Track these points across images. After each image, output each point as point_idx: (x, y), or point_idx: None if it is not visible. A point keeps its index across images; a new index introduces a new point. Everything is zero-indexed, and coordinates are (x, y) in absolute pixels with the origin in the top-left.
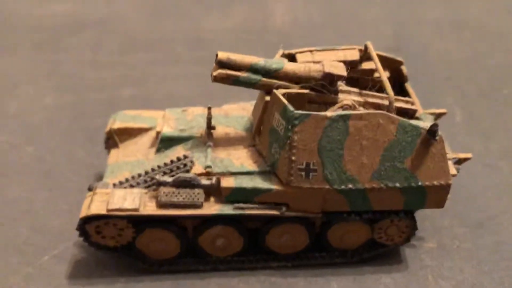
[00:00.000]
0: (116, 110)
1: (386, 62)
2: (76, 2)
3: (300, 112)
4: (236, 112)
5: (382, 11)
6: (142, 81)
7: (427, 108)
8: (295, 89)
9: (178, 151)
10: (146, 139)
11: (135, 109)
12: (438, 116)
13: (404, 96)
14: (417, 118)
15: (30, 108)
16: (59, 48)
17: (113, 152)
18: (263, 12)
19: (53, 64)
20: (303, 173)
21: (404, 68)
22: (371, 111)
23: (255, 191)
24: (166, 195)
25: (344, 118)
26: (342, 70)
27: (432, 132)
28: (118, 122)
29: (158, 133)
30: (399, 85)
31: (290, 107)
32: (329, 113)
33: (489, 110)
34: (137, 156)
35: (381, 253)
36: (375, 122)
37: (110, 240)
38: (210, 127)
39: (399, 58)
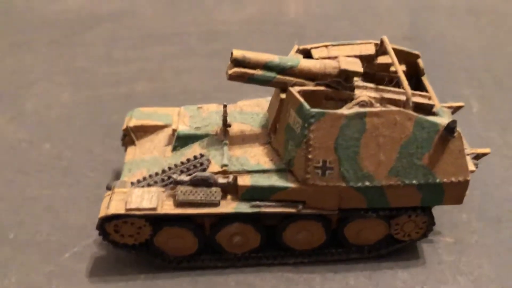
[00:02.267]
0: (133, 105)
1: (402, 56)
2: None
3: (316, 110)
4: (251, 108)
5: (396, 0)
6: (158, 75)
7: (444, 99)
8: (311, 86)
9: (194, 149)
10: (162, 136)
11: (151, 103)
12: (455, 109)
13: (421, 89)
14: (434, 113)
15: (47, 104)
16: (74, 43)
17: (130, 149)
18: (276, 3)
19: (69, 59)
20: (319, 171)
21: (420, 62)
22: (388, 108)
23: (272, 189)
24: (184, 194)
25: (361, 115)
26: (358, 67)
27: (450, 128)
28: (134, 119)
29: (174, 130)
30: (416, 79)
31: (306, 105)
32: (345, 111)
33: (507, 101)
34: (153, 153)
35: (398, 249)
36: (392, 119)
37: (128, 238)
38: (226, 124)
39: (415, 52)
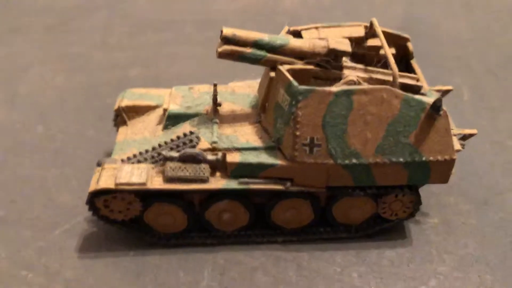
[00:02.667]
0: (126, 89)
1: (392, 39)
2: None
3: (304, 87)
4: (242, 89)
5: None
6: (151, 61)
7: (435, 86)
8: (300, 65)
9: (184, 128)
10: (153, 117)
11: (144, 87)
12: (444, 93)
13: (410, 72)
14: (423, 94)
15: (41, 88)
16: (69, 30)
17: (122, 129)
18: None
19: (64, 45)
20: (307, 148)
21: (410, 45)
22: (375, 86)
23: (260, 166)
24: (173, 170)
25: (348, 93)
26: (347, 46)
27: (436, 106)
28: (126, 100)
29: (165, 110)
30: (406, 62)
31: (295, 83)
32: (333, 88)
33: (497, 89)
34: (144, 133)
35: (386, 229)
36: (379, 97)
37: (118, 214)
38: (216, 103)
39: (405, 35)
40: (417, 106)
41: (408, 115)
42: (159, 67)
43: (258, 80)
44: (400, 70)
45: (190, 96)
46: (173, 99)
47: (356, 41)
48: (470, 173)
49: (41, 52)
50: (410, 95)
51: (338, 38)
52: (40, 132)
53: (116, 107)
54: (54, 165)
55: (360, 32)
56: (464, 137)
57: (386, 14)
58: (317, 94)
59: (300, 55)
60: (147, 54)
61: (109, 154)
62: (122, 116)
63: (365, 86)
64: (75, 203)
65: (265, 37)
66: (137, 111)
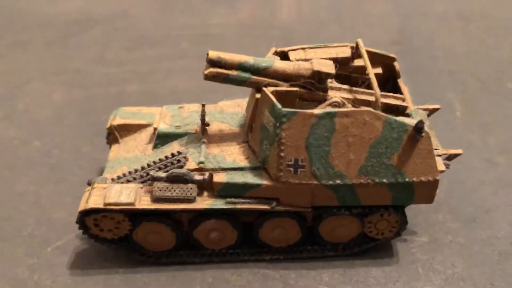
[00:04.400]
0: (122, 105)
1: (379, 59)
2: (85, 0)
3: (287, 109)
4: (231, 108)
5: (387, 5)
6: (148, 77)
7: (427, 102)
8: (285, 87)
9: (173, 147)
10: (144, 135)
11: (141, 103)
12: (431, 111)
13: (397, 92)
14: (408, 115)
15: (39, 103)
16: (68, 45)
17: (114, 147)
18: (269, 7)
19: (62, 60)
20: (291, 169)
21: (396, 64)
22: (357, 108)
23: (246, 186)
24: (160, 190)
25: (331, 115)
26: (330, 68)
27: (418, 128)
28: (118, 118)
29: (155, 129)
30: (393, 81)
31: (278, 105)
32: (316, 110)
33: (490, 105)
34: (135, 151)
35: (372, 247)
36: (361, 119)
37: (107, 233)
38: (204, 123)
39: (391, 55)
40: (399, 128)
41: (391, 136)
42: (156, 82)
43: (247, 99)
44: (387, 90)
45: (179, 116)
46: (163, 118)
47: (342, 62)
48: (459, 190)
49: (40, 67)
50: (392, 117)
51: (323, 60)
52: (37, 147)
53: (108, 125)
54: (49, 181)
55: (346, 52)
56: (449, 157)
57: (381, 28)
58: (300, 116)
59: (284, 77)
60: (144, 69)
61: (103, 171)
62: (115, 134)
63: (347, 108)
64: (68, 219)
65: (250, 59)
66: (128, 129)
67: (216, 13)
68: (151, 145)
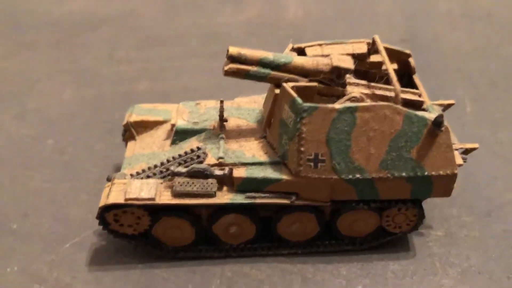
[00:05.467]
0: (134, 103)
1: (394, 55)
2: (93, 0)
3: (308, 104)
4: (248, 104)
5: (394, 3)
6: (159, 75)
7: (438, 99)
8: (304, 82)
9: (192, 143)
10: (161, 132)
11: (152, 101)
12: (446, 107)
13: (413, 88)
14: (424, 110)
15: (50, 102)
16: (77, 44)
17: (130, 144)
18: (276, 6)
19: (72, 59)
20: (311, 164)
21: (411, 60)
22: (378, 103)
23: (266, 181)
24: (181, 185)
25: (351, 110)
26: (349, 64)
27: (438, 122)
28: (134, 115)
29: (172, 125)
30: (408, 77)
31: (299, 100)
32: (337, 105)
33: (499, 101)
34: (152, 148)
35: (389, 241)
36: (381, 113)
37: (127, 228)
38: (222, 119)
39: (406, 51)
40: (419, 122)
41: (410, 131)
42: (167, 81)
43: (263, 95)
44: (402, 86)
45: (196, 112)
46: (180, 115)
47: (359, 58)
48: (473, 185)
49: (50, 66)
50: (412, 111)
51: (340, 55)
52: (50, 145)
53: (124, 122)
54: (64, 179)
55: (362, 48)
56: (466, 151)
57: (388, 26)
58: (320, 111)
59: (303, 72)
60: (154, 68)
61: (117, 168)
62: (131, 131)
63: (368, 103)
64: (84, 216)
65: (269, 55)
66: (145, 126)
67: (224, 12)
68: (168, 141)
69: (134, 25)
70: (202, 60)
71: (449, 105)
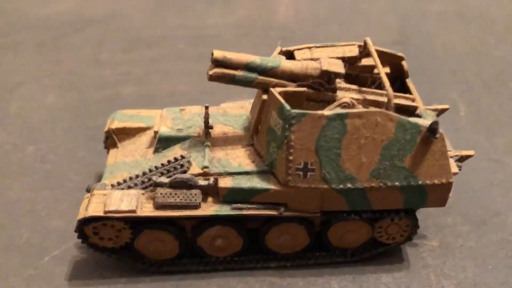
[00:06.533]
0: (118, 108)
1: (387, 58)
2: (78, 0)
3: (296, 111)
4: (235, 110)
5: (386, 4)
6: (145, 79)
7: (431, 103)
8: (292, 87)
9: (175, 151)
10: (144, 139)
11: (137, 106)
12: (440, 112)
13: (405, 92)
14: (418, 115)
15: (31, 107)
16: (61, 46)
17: (112, 152)
18: (266, 7)
19: (55, 62)
20: (300, 173)
21: (404, 64)
22: (369, 109)
23: (253, 191)
24: (163, 196)
25: (342, 116)
26: (340, 68)
27: (432, 130)
28: (116, 121)
29: (155, 132)
30: (400, 81)
31: (287, 106)
32: (326, 112)
33: (494, 104)
34: (135, 156)
35: (382, 252)
36: (373, 120)
37: (108, 242)
38: (207, 126)
39: (399, 54)
40: (413, 129)
41: (403, 138)
42: (152, 85)
43: (251, 101)
44: (394, 90)
45: (181, 118)
46: (164, 121)
47: (349, 61)
48: (468, 192)
49: (32, 69)
50: (405, 118)
51: (330, 59)
52: (31, 153)
53: (106, 129)
54: (44, 188)
55: (354, 51)
56: (461, 159)
57: (380, 27)
58: (310, 118)
59: (292, 77)
60: (140, 71)
61: (100, 176)
62: (113, 138)
63: (359, 109)
64: (65, 227)
65: (256, 59)
66: (127, 133)
67: (212, 13)
68: (151, 149)
69: (120, 27)
70: (189, 63)
71: (444, 110)
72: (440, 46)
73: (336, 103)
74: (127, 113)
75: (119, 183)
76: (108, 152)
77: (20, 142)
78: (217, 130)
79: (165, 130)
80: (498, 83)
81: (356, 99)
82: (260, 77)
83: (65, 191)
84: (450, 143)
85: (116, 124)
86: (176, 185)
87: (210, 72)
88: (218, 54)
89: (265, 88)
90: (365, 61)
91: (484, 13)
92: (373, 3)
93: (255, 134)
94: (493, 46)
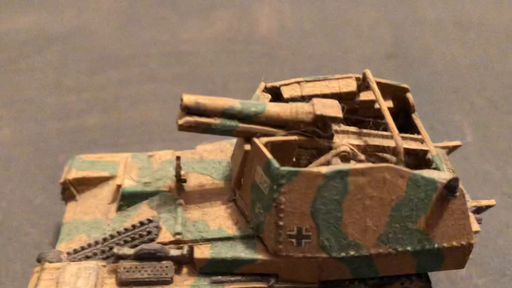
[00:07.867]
0: (82, 142)
1: (389, 90)
2: (40, 15)
3: (287, 169)
4: (213, 155)
5: (378, 13)
6: (112, 105)
7: (434, 127)
8: (281, 136)
9: (142, 210)
10: (106, 191)
11: (104, 139)
12: (451, 149)
13: (411, 128)
14: (429, 160)
15: None
16: (20, 69)
17: (70, 206)
18: (247, 19)
19: (12, 88)
20: (294, 240)
21: (410, 97)
22: (375, 164)
23: (236, 262)
24: (127, 271)
25: (342, 174)
26: (336, 110)
27: (452, 187)
28: (74, 170)
29: (118, 187)
30: (404, 115)
31: (275, 163)
32: (324, 169)
33: (502, 126)
34: (95, 214)
35: None
36: (380, 177)
37: None
38: (180, 180)
39: (403, 85)
40: (427, 186)
41: (416, 197)
42: (121, 112)
43: (233, 141)
44: (398, 125)
45: (149, 168)
46: (129, 172)
47: (346, 97)
48: (482, 236)
49: None
50: (417, 173)
51: (325, 101)
52: None
53: (62, 179)
54: None
55: (351, 85)
56: (479, 210)
57: (373, 39)
58: (303, 176)
59: (280, 123)
60: (107, 97)
61: (59, 229)
62: (70, 191)
63: (362, 165)
64: None
65: (236, 104)
66: (87, 183)
67: (188, 27)
68: (114, 206)
69: (86, 45)
70: (162, 85)
71: (455, 147)
72: (438, 59)
73: (333, 152)
74: (87, 158)
75: (76, 251)
76: (66, 206)
77: None
78: (192, 181)
79: (129, 184)
80: (505, 101)
81: (357, 145)
82: (242, 125)
83: (18, 248)
84: (463, 185)
85: (74, 174)
86: (142, 257)
87: (180, 122)
88: (189, 99)
89: (248, 137)
90: (364, 95)
91: (483, 21)
92: (363, 12)
93: (238, 188)
94: (495, 58)
